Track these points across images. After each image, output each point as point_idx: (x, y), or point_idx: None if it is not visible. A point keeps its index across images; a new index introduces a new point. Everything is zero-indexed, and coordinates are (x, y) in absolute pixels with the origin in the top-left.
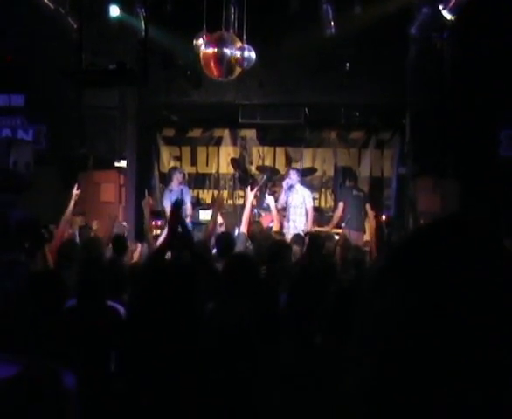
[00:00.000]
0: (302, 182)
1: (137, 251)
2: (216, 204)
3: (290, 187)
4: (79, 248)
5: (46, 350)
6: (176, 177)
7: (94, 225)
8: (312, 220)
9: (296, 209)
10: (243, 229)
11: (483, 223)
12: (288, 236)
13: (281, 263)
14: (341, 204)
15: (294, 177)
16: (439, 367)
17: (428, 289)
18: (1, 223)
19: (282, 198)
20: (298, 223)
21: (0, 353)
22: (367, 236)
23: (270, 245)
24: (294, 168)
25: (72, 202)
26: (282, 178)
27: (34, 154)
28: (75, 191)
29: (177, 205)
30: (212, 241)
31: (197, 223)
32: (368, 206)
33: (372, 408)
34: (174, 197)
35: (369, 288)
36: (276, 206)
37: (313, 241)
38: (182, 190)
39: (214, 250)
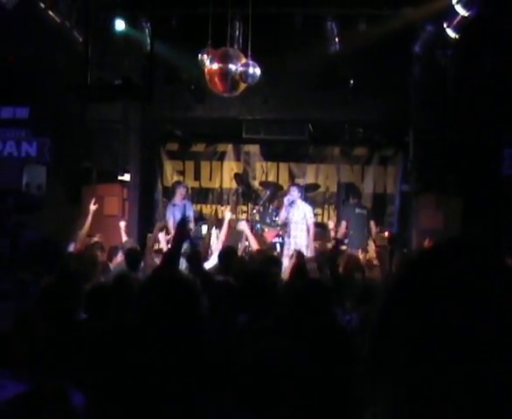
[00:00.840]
0: (305, 198)
1: None
2: (210, 221)
3: (291, 203)
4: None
5: (56, 367)
6: (180, 192)
7: (97, 238)
8: (313, 236)
9: (297, 224)
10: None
11: (485, 246)
12: (289, 253)
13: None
14: (343, 223)
15: (294, 193)
16: (448, 383)
17: (436, 315)
18: (12, 243)
19: (283, 214)
20: (299, 238)
21: (10, 371)
22: (370, 254)
23: (261, 260)
24: (295, 185)
25: (89, 218)
26: (284, 194)
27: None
28: (92, 206)
29: (184, 222)
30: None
31: (199, 238)
32: (372, 223)
33: None
34: (177, 212)
35: (379, 318)
36: (247, 226)
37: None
38: (185, 205)
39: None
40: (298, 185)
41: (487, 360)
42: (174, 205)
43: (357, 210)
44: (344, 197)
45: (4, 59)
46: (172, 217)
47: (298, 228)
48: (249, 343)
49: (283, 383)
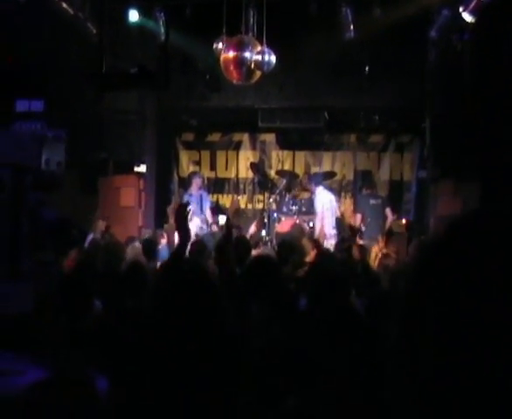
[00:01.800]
0: (324, 186)
1: None
2: (229, 209)
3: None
4: (100, 252)
5: (79, 352)
6: (196, 182)
7: (103, 226)
8: (326, 223)
9: (317, 214)
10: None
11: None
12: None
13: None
14: (358, 216)
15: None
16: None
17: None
18: (33, 222)
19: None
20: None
21: (33, 356)
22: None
23: (278, 247)
24: (309, 178)
25: None
26: (300, 183)
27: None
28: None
29: (183, 209)
30: None
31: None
32: (388, 210)
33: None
34: (193, 202)
35: (404, 301)
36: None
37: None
38: (201, 195)
39: None
40: (311, 177)
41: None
42: (190, 195)
43: (372, 201)
44: (359, 187)
45: (3, 59)
46: None
47: (318, 217)
48: (257, 331)
49: (294, 371)
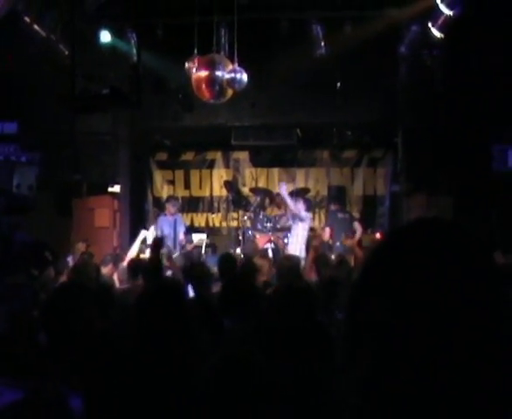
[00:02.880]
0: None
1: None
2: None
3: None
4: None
5: (53, 373)
6: (172, 205)
7: (83, 248)
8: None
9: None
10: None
11: (454, 223)
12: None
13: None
14: (327, 229)
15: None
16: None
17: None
18: (5, 245)
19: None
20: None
21: (6, 377)
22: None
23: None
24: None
25: None
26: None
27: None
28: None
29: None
30: None
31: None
32: (356, 224)
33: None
34: (165, 225)
35: (351, 295)
36: None
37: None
38: (176, 219)
39: None
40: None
41: (452, 331)
42: (165, 215)
43: (340, 215)
44: (326, 204)
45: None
46: (160, 230)
47: (293, 234)
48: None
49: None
